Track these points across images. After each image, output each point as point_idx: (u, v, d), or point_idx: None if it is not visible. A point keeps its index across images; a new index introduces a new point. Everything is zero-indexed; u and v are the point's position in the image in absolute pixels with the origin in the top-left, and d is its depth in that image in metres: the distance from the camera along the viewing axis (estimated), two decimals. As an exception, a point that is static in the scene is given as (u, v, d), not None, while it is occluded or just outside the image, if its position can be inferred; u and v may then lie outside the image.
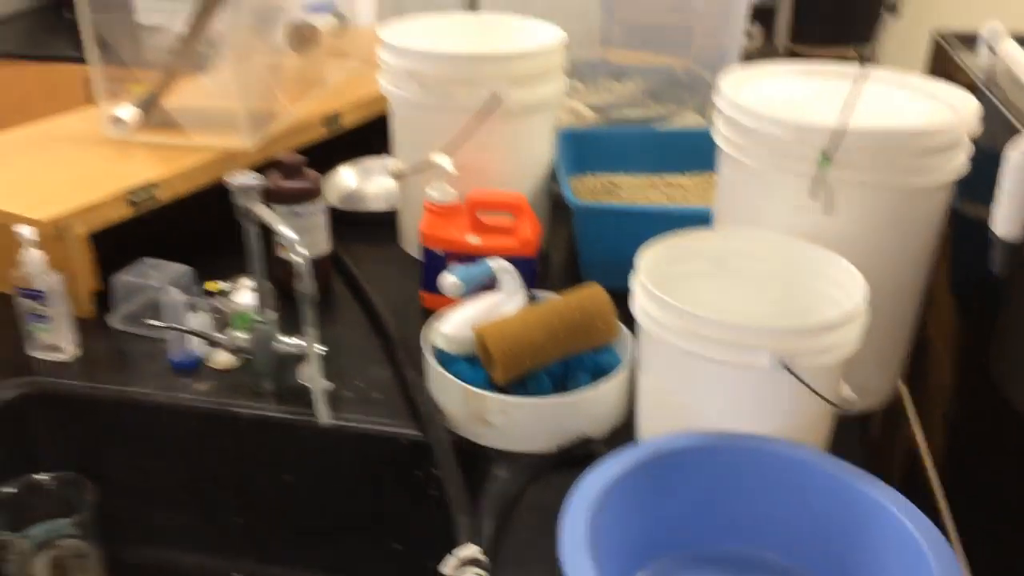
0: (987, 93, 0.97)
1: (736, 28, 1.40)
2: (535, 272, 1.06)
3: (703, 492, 0.71)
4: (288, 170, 1.06)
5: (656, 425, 0.80)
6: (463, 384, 0.84)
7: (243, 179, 0.84)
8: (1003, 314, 0.83)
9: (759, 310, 0.86)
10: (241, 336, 0.90)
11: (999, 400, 0.81)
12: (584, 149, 1.32)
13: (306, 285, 0.78)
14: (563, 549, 0.61)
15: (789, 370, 0.71)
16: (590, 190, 1.28)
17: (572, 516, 0.63)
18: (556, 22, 1.22)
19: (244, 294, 0.96)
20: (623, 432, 0.86)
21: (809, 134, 0.81)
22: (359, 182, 1.36)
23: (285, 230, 0.80)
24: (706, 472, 0.71)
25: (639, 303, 0.77)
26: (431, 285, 1.03)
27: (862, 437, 0.92)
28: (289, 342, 0.89)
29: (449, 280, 0.89)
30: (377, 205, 1.33)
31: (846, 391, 0.80)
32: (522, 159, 1.16)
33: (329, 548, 0.93)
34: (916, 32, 1.43)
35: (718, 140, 0.91)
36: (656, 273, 0.82)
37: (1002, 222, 0.78)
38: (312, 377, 0.82)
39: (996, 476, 0.81)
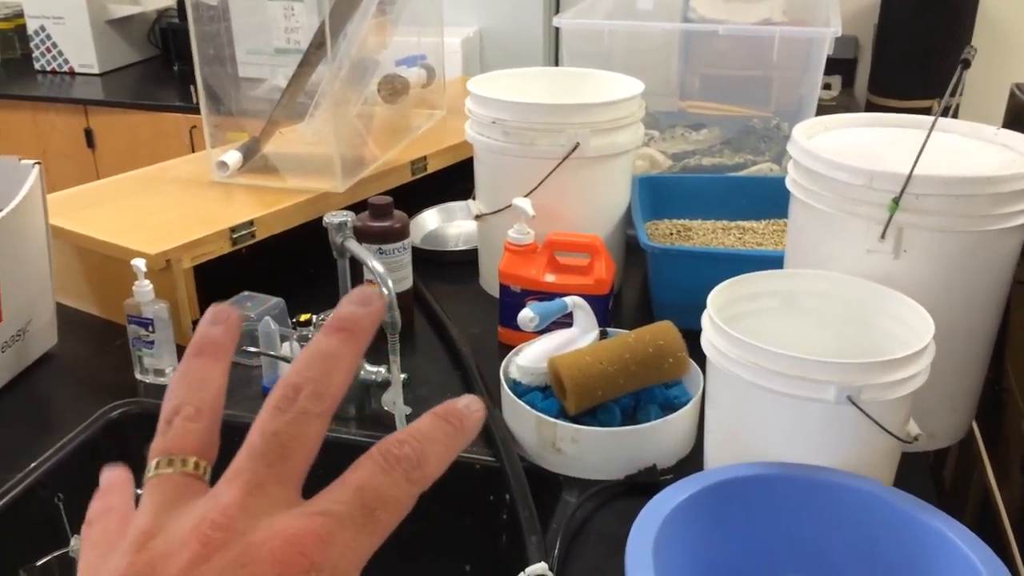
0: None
1: (813, 80, 1.43)
2: (608, 310, 1.10)
3: (765, 522, 0.73)
4: (377, 211, 1.12)
5: (722, 457, 0.83)
6: (536, 412, 0.87)
7: (338, 217, 0.91)
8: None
9: (826, 347, 0.88)
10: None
11: None
12: (659, 195, 1.36)
13: (392, 316, 0.84)
14: (629, 570, 0.63)
15: (855, 403, 0.73)
16: (664, 234, 1.32)
17: (636, 539, 0.66)
18: (636, 75, 1.28)
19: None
20: (690, 463, 0.89)
21: (879, 179, 0.84)
22: (441, 223, 1.43)
23: (375, 264, 0.85)
24: (768, 502, 0.73)
25: (707, 336, 0.80)
26: (508, 321, 1.08)
27: (934, 478, 0.92)
28: (372, 369, 0.94)
29: (527, 315, 0.93)
30: (458, 245, 1.39)
31: (913, 428, 0.81)
32: (599, 203, 1.21)
33: (406, 568, 0.96)
34: (999, 84, 1.44)
35: (790, 186, 0.94)
36: (726, 310, 0.85)
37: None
38: (394, 402, 0.86)
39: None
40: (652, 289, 1.18)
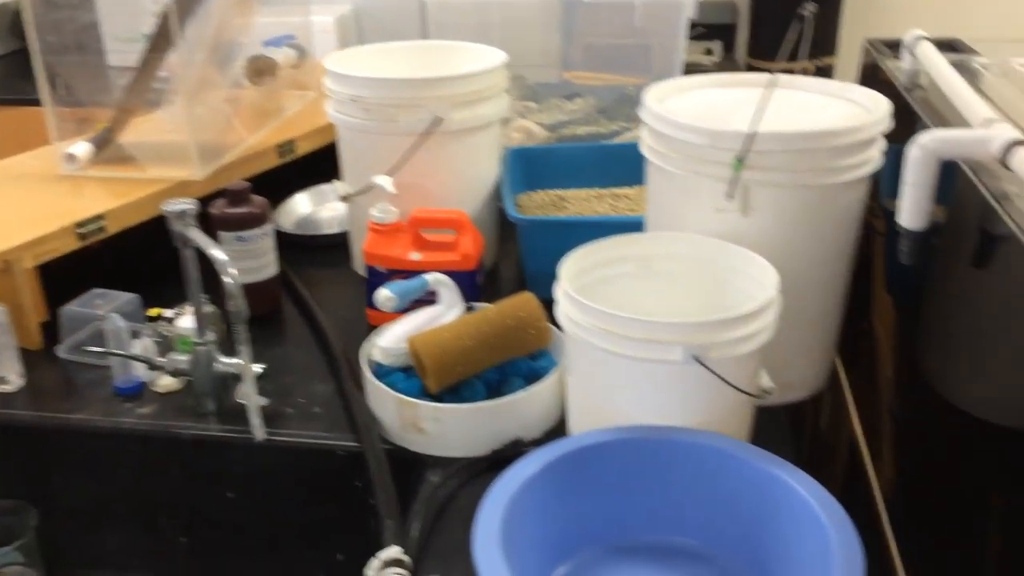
0: (904, 94, 1.00)
1: (676, 46, 1.44)
2: (477, 284, 1.08)
3: (621, 485, 0.73)
4: (234, 197, 1.08)
5: (584, 425, 0.82)
6: (395, 393, 0.86)
7: (177, 205, 0.87)
8: (923, 306, 0.86)
9: (684, 308, 0.88)
10: (181, 359, 0.93)
11: (928, 392, 0.83)
12: (534, 166, 1.35)
13: (237, 305, 0.81)
14: (476, 546, 0.62)
15: (700, 362, 0.73)
16: (538, 204, 1.31)
17: (486, 514, 0.65)
18: (515, 47, 1.26)
19: (188, 319, 0.98)
20: (557, 434, 0.88)
21: (723, 139, 0.84)
22: (313, 207, 1.39)
23: (216, 252, 0.82)
24: (623, 465, 0.73)
25: (561, 307, 0.79)
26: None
27: (798, 428, 0.94)
28: (228, 362, 0.91)
29: (383, 295, 0.91)
30: (331, 229, 1.35)
31: (765, 381, 0.82)
32: (467, 177, 1.19)
33: (275, 562, 0.94)
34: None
35: (643, 150, 0.94)
36: (581, 277, 0.85)
37: (906, 214, 0.80)
38: (247, 395, 0.84)
39: (926, 467, 0.83)
40: (523, 261, 1.17)
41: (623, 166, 1.35)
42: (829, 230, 0.88)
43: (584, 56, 1.80)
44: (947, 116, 0.91)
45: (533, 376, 0.91)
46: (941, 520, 0.76)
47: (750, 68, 2.53)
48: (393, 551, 0.70)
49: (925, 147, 0.77)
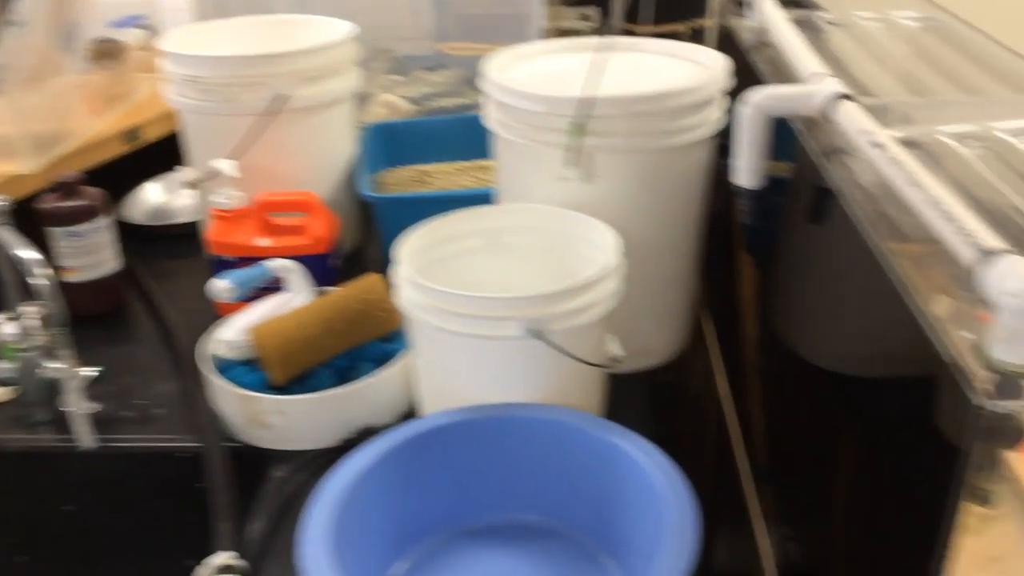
0: (747, 53, 1.00)
1: (533, 12, 1.42)
2: (332, 268, 1.05)
3: (467, 467, 0.71)
4: (65, 189, 1.02)
5: (434, 408, 0.80)
6: (235, 389, 0.82)
7: (-17, 202, 0.81)
8: (775, 265, 0.86)
9: (535, 281, 0.86)
10: (7, 367, 0.86)
11: (783, 349, 0.84)
12: (396, 141, 1.31)
13: (51, 308, 0.75)
14: (303, 549, 0.60)
15: (539, 336, 0.71)
16: (401, 181, 1.27)
17: (315, 513, 0.62)
18: (386, 19, 1.21)
19: (12, 324, 0.92)
20: (410, 419, 0.86)
21: (560, 106, 0.82)
22: (166, 196, 1.32)
23: (23, 252, 0.76)
24: (467, 447, 0.71)
25: (400, 288, 0.77)
26: (225, 293, 1.01)
27: (669, 394, 0.93)
28: (54, 368, 0.85)
29: (220, 285, 0.87)
30: (184, 218, 1.29)
31: (614, 349, 0.82)
32: (318, 157, 1.15)
33: (122, 572, 0.89)
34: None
35: (486, 122, 0.91)
36: (424, 255, 0.82)
37: (741, 173, 0.80)
38: (71, 402, 0.78)
39: (786, 427, 0.84)
40: (383, 240, 1.14)
41: (487, 137, 1.32)
42: (673, 193, 0.88)
43: (457, 27, 1.76)
44: (786, 73, 0.91)
45: (385, 360, 0.88)
46: (800, 479, 0.77)
47: (626, 33, 2.53)
48: (223, 557, 0.66)
49: (754, 105, 0.76)
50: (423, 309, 0.74)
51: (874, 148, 0.62)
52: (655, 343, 0.94)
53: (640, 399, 0.92)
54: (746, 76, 0.91)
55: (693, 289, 0.96)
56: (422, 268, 0.81)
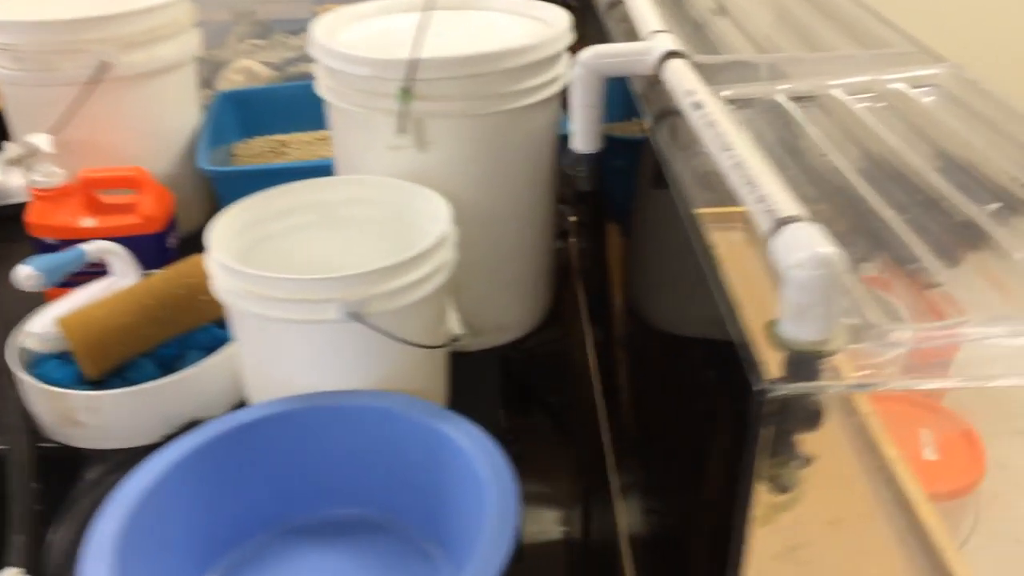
0: (599, 11, 0.96)
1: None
2: (170, 250, 0.98)
3: (288, 461, 0.67)
4: None
5: (260, 398, 0.75)
6: (41, 385, 0.75)
7: None
8: (632, 231, 0.83)
9: (372, 257, 0.82)
10: None
11: (641, 316, 0.81)
12: (252, 110, 1.24)
13: None
14: (83, 563, 0.54)
15: (359, 319, 0.66)
16: (256, 153, 1.20)
17: (101, 523, 0.57)
18: None
19: None
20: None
21: (388, 69, 0.77)
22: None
23: None
24: (285, 440, 0.66)
25: (213, 272, 0.71)
26: (48, 279, 0.93)
27: (514, 369, 0.90)
28: None
29: (24, 272, 0.79)
30: (22, 197, 1.19)
31: (453, 327, 0.77)
32: (153, 129, 1.07)
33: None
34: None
35: (317, 88, 0.86)
36: (247, 234, 0.77)
37: (578, 137, 0.76)
38: None
39: (637, 397, 0.81)
40: (228, 217, 1.07)
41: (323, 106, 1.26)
42: (516, 159, 0.83)
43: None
44: (633, 33, 0.87)
45: (216, 347, 0.82)
46: (646, 453, 0.74)
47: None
48: (10, 573, 0.61)
49: (584, 64, 0.72)
50: (237, 294, 0.69)
51: (695, 109, 0.59)
52: (509, 317, 0.91)
53: (494, 376, 0.89)
54: (602, 38, 0.87)
55: (548, 258, 0.93)
56: (244, 248, 0.76)
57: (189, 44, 1.08)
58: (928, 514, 0.62)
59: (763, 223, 0.43)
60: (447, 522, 0.64)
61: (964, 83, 0.69)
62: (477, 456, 0.61)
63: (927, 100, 0.66)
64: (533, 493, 1.64)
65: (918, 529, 0.59)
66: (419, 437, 0.65)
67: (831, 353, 0.40)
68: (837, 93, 0.69)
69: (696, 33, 0.87)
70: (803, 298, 0.40)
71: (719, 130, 0.53)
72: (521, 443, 1.49)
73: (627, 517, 0.80)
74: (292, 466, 0.66)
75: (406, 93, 0.77)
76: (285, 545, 0.66)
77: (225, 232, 0.73)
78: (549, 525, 1.59)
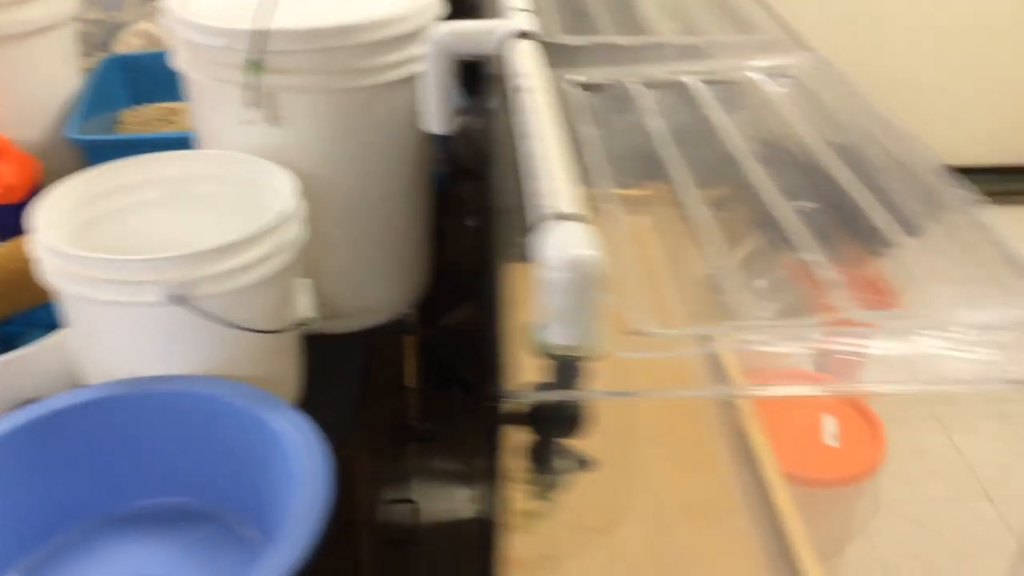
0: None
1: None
2: (30, 222, 0.94)
3: (109, 449, 0.64)
4: None
5: (91, 381, 0.72)
6: None
7: None
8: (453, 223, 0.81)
9: (222, 236, 0.79)
10: None
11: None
12: (143, 76, 1.19)
13: None
14: None
15: (181, 302, 0.64)
16: (145, 121, 1.16)
17: None
18: None
19: None
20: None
21: (238, 39, 0.73)
22: None
23: None
24: (106, 427, 0.63)
25: (36, 250, 0.68)
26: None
27: (373, 353, 0.88)
28: None
29: None
30: None
31: (302, 311, 0.75)
32: (17, 95, 1.02)
33: None
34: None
35: (172, 59, 0.82)
36: (85, 210, 0.74)
37: (432, 118, 0.74)
38: None
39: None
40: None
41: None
42: (378, 137, 0.80)
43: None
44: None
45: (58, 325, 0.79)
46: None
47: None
48: None
49: (436, 42, 0.70)
50: (58, 274, 0.65)
51: (519, 93, 0.56)
52: (377, 299, 0.88)
53: (360, 359, 0.86)
54: (474, 15, 0.85)
55: (423, 239, 0.90)
56: (80, 226, 0.73)
57: (64, 5, 1.04)
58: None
59: (530, 218, 0.41)
60: (266, 508, 0.62)
61: (820, 72, 0.68)
62: (294, 440, 0.59)
63: (774, 89, 0.65)
64: (447, 471, 1.63)
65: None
66: (239, 424, 0.63)
67: (587, 359, 0.39)
68: (689, 80, 0.68)
69: (575, 14, 0.85)
70: (555, 300, 0.38)
71: (524, 117, 0.51)
72: (434, 422, 1.48)
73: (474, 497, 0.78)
74: (110, 454, 0.64)
75: (254, 65, 0.73)
76: (101, 536, 0.63)
77: (54, 209, 0.69)
78: (461, 503, 1.58)
